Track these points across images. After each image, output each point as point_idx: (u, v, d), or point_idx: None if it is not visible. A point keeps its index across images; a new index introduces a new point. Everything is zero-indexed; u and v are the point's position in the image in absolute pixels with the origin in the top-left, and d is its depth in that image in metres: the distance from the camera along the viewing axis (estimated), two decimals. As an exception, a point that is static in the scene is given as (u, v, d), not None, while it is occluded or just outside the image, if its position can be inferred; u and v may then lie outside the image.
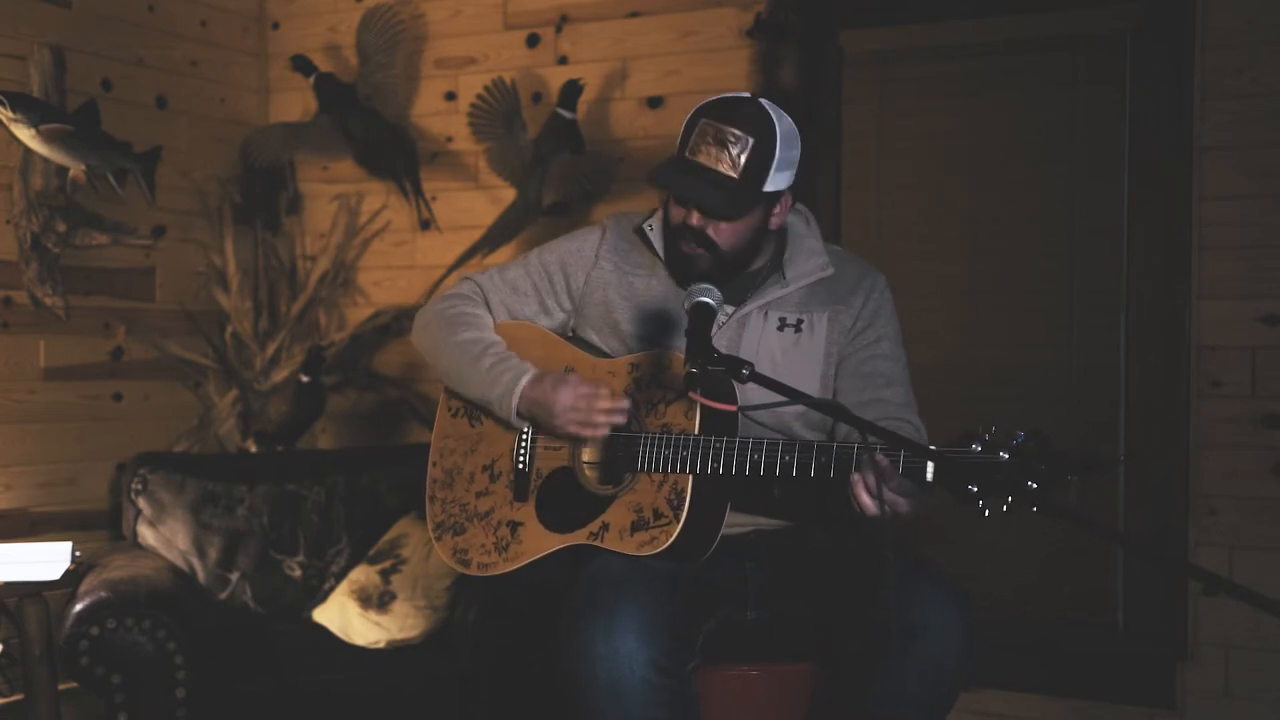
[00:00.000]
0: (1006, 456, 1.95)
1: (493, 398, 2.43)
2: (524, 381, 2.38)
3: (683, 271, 2.40)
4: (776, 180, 2.32)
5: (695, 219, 2.33)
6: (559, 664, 2.17)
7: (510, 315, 2.57)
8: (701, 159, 2.29)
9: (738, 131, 2.28)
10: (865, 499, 2.09)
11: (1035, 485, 1.92)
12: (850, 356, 2.43)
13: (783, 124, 2.32)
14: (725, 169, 2.28)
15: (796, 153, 2.35)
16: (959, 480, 1.96)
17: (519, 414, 2.40)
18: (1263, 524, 3.11)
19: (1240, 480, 3.13)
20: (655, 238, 2.47)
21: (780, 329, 2.41)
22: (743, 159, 2.27)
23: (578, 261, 2.53)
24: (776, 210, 2.40)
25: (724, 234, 2.34)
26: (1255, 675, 3.13)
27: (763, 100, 2.34)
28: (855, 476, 2.10)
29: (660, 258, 2.47)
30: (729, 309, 2.42)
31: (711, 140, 2.29)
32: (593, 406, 2.31)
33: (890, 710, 2.18)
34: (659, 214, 2.49)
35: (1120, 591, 3.29)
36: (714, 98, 2.36)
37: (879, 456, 2.05)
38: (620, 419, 2.31)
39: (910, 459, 2.04)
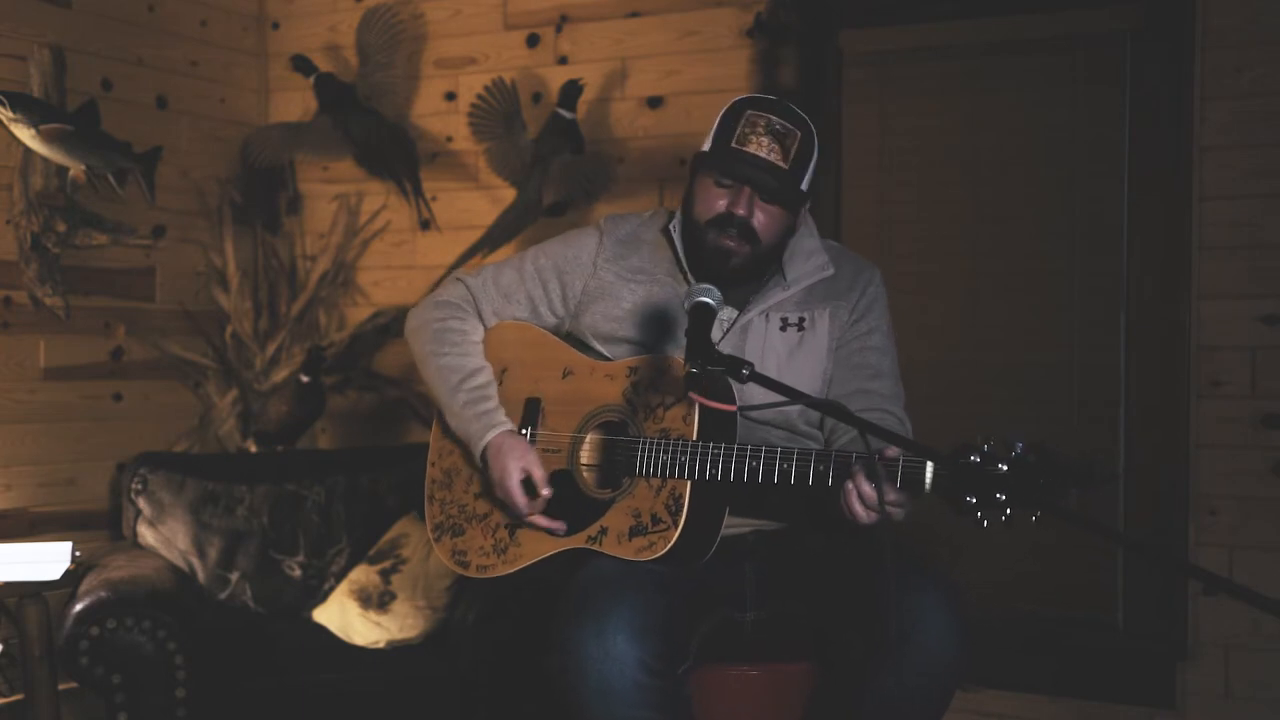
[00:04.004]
0: (1005, 469, 1.94)
1: (463, 437, 2.48)
2: (488, 439, 2.42)
3: (712, 268, 2.37)
4: (809, 180, 2.35)
5: (742, 207, 2.32)
6: (551, 662, 2.17)
7: (501, 320, 2.57)
8: (752, 149, 2.29)
9: (788, 124, 2.31)
10: (858, 509, 2.09)
11: (1034, 499, 1.91)
12: (842, 347, 2.43)
13: (814, 127, 2.37)
14: (777, 159, 2.29)
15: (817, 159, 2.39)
16: (957, 491, 1.96)
17: (483, 461, 2.44)
18: (1263, 524, 3.11)
19: (1240, 480, 3.13)
20: (678, 239, 2.45)
21: (783, 329, 2.41)
22: (793, 150, 2.30)
23: (575, 269, 2.52)
24: (802, 212, 2.42)
25: (765, 225, 2.33)
26: (1255, 675, 3.13)
27: (788, 102, 2.38)
28: (848, 485, 2.10)
29: (676, 259, 2.45)
30: (732, 314, 2.42)
31: (763, 130, 2.30)
32: (524, 511, 2.37)
33: (888, 707, 2.18)
34: (677, 216, 2.47)
35: (1120, 591, 3.29)
36: (745, 96, 2.39)
37: (879, 468, 2.04)
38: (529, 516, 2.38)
39: (908, 469, 2.03)
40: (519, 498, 2.37)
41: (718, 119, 2.36)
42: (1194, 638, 3.17)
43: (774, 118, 2.30)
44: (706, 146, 2.36)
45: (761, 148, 2.29)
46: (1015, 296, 3.41)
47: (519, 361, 2.51)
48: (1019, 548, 3.36)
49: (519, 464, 2.37)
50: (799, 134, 2.31)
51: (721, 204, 2.34)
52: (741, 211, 2.32)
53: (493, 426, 2.42)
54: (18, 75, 3.44)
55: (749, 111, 2.32)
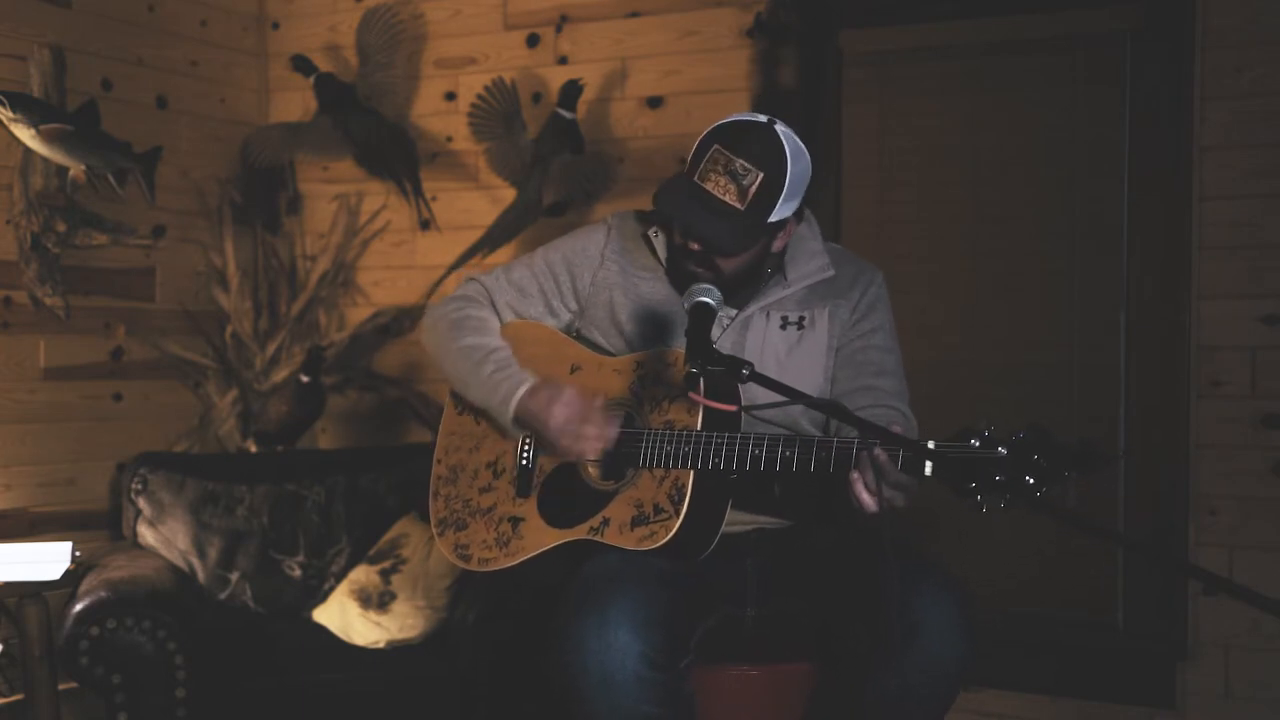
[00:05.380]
0: (1005, 452, 1.95)
1: (492, 404, 2.44)
2: (521, 392, 2.39)
3: (685, 284, 2.38)
4: (783, 210, 2.32)
5: (697, 246, 2.33)
6: (553, 657, 2.18)
7: (516, 316, 2.58)
8: (709, 187, 2.28)
9: (748, 164, 2.26)
10: (864, 496, 2.09)
11: (1033, 481, 1.92)
12: (845, 346, 2.44)
13: (794, 155, 2.29)
14: (732, 200, 2.27)
15: (806, 182, 2.35)
16: (957, 475, 1.96)
17: (516, 422, 2.41)
18: (1263, 524, 3.11)
19: (1240, 480, 3.13)
20: (659, 244, 2.47)
21: (783, 327, 2.42)
22: (751, 191, 2.27)
23: (583, 261, 2.54)
24: (780, 235, 2.40)
25: (724, 261, 2.34)
26: (1255, 675, 3.13)
27: (778, 126, 2.31)
28: (854, 474, 2.10)
29: (663, 263, 2.47)
30: (732, 311, 2.42)
31: (721, 170, 2.27)
32: (581, 430, 2.31)
33: (892, 706, 2.18)
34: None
35: (1120, 591, 3.29)
36: (728, 120, 2.34)
37: (878, 452, 2.06)
38: (608, 440, 2.32)
39: (909, 455, 2.04)
40: (577, 405, 2.32)
41: (700, 137, 2.34)
42: (1194, 638, 3.17)
43: (737, 159, 2.26)
44: (687, 166, 2.35)
45: (718, 187, 2.27)
46: (1015, 296, 3.41)
47: (527, 359, 2.52)
48: (1020, 548, 3.36)
49: (567, 388, 2.35)
50: (761, 174, 2.26)
51: (679, 237, 2.37)
52: (693, 247, 2.34)
53: (528, 378, 2.41)
54: (18, 75, 3.44)
55: (715, 146, 2.29)
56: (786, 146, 2.29)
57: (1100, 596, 3.31)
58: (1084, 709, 3.28)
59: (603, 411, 2.33)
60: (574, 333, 2.57)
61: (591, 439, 2.32)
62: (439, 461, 2.60)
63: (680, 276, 2.41)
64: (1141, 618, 3.25)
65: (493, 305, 2.58)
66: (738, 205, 2.27)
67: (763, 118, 2.34)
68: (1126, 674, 3.24)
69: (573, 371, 2.47)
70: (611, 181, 3.71)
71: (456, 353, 2.50)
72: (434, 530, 2.56)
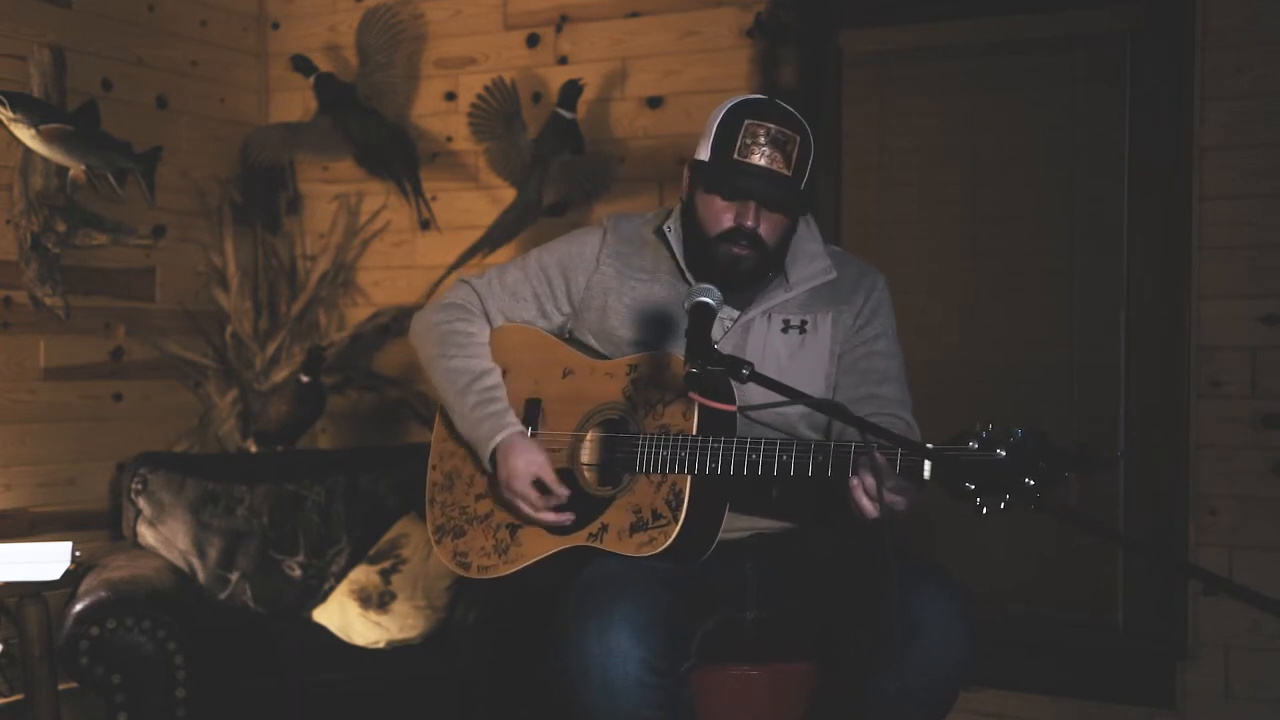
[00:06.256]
0: (1003, 454, 1.94)
1: (471, 439, 2.47)
2: (498, 440, 2.41)
3: (723, 275, 2.35)
4: (808, 179, 2.36)
5: (750, 219, 2.31)
6: (554, 662, 2.17)
7: (507, 321, 2.57)
8: (756, 160, 2.29)
9: (787, 130, 2.30)
10: (864, 502, 2.09)
11: (1032, 483, 1.92)
12: (848, 353, 2.44)
13: (804, 119, 2.36)
14: (780, 167, 2.29)
15: None
16: (956, 478, 1.96)
17: (492, 463, 2.44)
18: (1263, 524, 3.11)
19: (1240, 480, 3.13)
20: (675, 240, 2.45)
21: (785, 331, 2.41)
22: (794, 155, 2.30)
23: (578, 265, 2.52)
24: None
25: (770, 230, 2.33)
26: (1255, 675, 3.13)
27: (777, 100, 2.37)
28: (854, 480, 2.10)
29: (675, 259, 2.44)
30: (733, 314, 2.41)
31: (765, 141, 2.29)
32: (539, 514, 2.37)
33: (892, 708, 2.18)
34: (675, 215, 2.47)
35: (1120, 591, 3.29)
36: (738, 100, 2.35)
37: (876, 455, 2.05)
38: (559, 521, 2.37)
39: (907, 457, 2.04)
40: (532, 496, 2.37)
41: (713, 125, 2.34)
42: (1194, 638, 3.17)
43: (773, 125, 2.29)
44: (704, 155, 2.34)
45: (764, 158, 2.29)
46: (1015, 296, 3.41)
47: (519, 363, 2.51)
48: (1020, 548, 3.36)
49: (529, 466, 2.37)
50: (798, 138, 2.31)
51: (728, 218, 2.33)
52: (750, 224, 2.32)
53: (503, 427, 2.42)
54: (18, 75, 3.44)
55: (748, 121, 2.30)
56: (796, 112, 2.35)
57: (1100, 596, 3.31)
58: (1084, 709, 3.28)
59: (561, 500, 2.37)
60: (566, 335, 2.56)
61: (545, 521, 2.38)
62: (433, 468, 2.60)
63: (720, 267, 2.35)
64: (1141, 618, 3.25)
65: (483, 311, 2.57)
66: (786, 172, 2.30)
67: (762, 96, 2.39)
68: (1126, 674, 3.24)
69: (565, 376, 2.46)
70: (611, 181, 3.72)
71: (443, 372, 2.52)
72: (431, 538, 2.55)
